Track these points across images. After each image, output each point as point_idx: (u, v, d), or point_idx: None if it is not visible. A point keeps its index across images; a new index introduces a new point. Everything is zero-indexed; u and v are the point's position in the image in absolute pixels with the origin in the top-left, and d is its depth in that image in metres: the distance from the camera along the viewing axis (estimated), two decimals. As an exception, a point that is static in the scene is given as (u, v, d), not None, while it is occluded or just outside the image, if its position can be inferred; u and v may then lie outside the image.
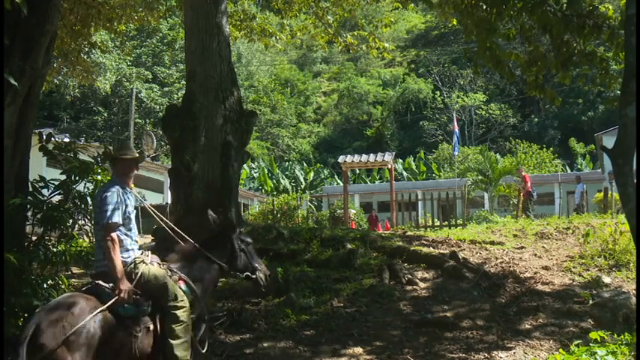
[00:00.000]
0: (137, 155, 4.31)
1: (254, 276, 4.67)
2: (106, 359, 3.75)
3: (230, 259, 4.61)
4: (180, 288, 4.22)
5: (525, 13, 7.11)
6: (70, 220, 4.99)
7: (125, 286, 3.92)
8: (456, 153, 30.01)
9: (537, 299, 7.17)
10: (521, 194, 18.24)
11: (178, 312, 4.09)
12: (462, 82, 48.62)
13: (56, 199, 5.05)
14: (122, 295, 3.88)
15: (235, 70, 9.48)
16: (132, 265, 4.06)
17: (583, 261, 8.77)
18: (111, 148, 5.48)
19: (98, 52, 22.78)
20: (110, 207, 4.00)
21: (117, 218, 4.01)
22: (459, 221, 15.07)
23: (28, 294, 4.50)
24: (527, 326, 6.49)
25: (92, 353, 3.66)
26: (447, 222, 15.38)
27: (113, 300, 3.84)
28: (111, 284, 3.92)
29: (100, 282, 3.92)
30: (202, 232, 4.94)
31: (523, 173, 19.42)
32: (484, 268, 8.26)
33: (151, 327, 4.04)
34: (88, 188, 5.09)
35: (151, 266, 4.15)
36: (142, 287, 4.04)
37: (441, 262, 8.35)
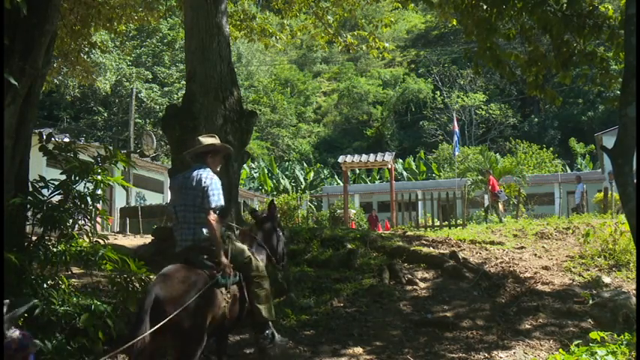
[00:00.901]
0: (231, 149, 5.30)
1: (282, 263, 5.39)
2: (209, 323, 4.23)
3: (274, 246, 5.24)
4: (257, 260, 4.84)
5: (525, 13, 7.11)
6: (70, 220, 4.98)
7: (225, 260, 4.45)
8: (456, 153, 30.00)
9: (537, 299, 7.17)
10: (491, 197, 18.28)
11: (261, 281, 4.74)
12: (462, 82, 48.59)
13: (56, 199, 5.04)
14: (225, 269, 4.41)
15: (235, 70, 9.47)
16: None
17: (583, 261, 8.77)
18: (111, 148, 5.47)
19: (98, 52, 22.77)
20: (216, 192, 4.52)
21: (220, 202, 4.52)
22: (458, 221, 15.07)
23: (28, 294, 4.49)
24: (527, 326, 6.49)
25: (203, 318, 4.16)
26: (447, 222, 15.38)
27: (220, 273, 4.37)
28: (205, 256, 4.42)
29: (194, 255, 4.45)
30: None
31: (489, 177, 19.74)
32: (484, 268, 8.27)
33: (238, 294, 4.57)
34: (88, 188, 5.08)
35: (236, 242, 4.76)
36: (231, 261, 4.55)
37: (441, 262, 8.35)
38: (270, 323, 4.77)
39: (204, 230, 4.46)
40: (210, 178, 4.53)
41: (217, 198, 4.49)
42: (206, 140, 4.75)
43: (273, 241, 5.20)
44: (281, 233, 5.34)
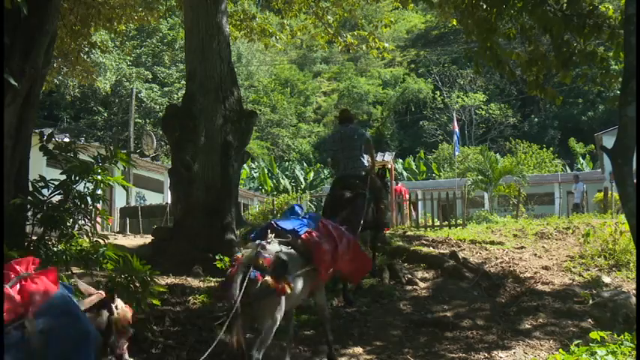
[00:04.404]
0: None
1: (385, 201, 8.18)
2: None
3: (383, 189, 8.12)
4: None
5: (525, 12, 7.11)
6: (70, 220, 4.97)
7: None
8: (456, 153, 30.02)
9: (537, 299, 7.17)
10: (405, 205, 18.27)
11: (384, 200, 7.57)
12: (462, 82, 48.60)
13: (56, 199, 5.04)
14: (367, 188, 6.91)
15: (235, 70, 9.47)
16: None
17: (583, 261, 8.77)
18: (112, 147, 5.48)
19: (98, 52, 22.77)
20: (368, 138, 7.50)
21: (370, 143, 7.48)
22: (458, 221, 15.07)
23: (28, 293, 4.49)
24: (527, 326, 6.48)
25: (362, 214, 6.66)
26: (447, 222, 15.38)
27: (367, 190, 6.88)
28: (357, 180, 6.98)
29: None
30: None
31: (399, 186, 19.84)
32: (484, 268, 8.26)
33: (372, 206, 7.00)
34: (87, 188, 5.07)
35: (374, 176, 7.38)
36: (370, 185, 7.02)
37: (441, 262, 8.34)
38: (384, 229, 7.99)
39: (361, 165, 7.13)
40: (358, 130, 7.47)
41: (371, 141, 7.55)
42: (348, 113, 7.82)
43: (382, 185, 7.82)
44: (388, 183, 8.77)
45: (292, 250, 4.57)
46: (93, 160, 5.15)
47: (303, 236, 4.69)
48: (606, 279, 7.81)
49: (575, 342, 4.85)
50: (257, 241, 4.46)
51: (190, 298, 6.65)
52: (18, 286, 2.79)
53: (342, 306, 7.05)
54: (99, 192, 5.18)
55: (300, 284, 4.54)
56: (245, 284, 4.02)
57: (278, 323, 4.40)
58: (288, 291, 4.25)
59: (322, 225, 5.04)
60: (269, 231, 4.63)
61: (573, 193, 22.66)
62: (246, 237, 9.15)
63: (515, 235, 10.71)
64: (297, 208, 5.37)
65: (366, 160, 7.25)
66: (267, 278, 4.13)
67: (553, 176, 31.55)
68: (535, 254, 9.24)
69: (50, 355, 2.70)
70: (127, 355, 3.19)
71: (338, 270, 5.18)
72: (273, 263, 4.25)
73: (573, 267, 8.50)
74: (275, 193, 34.49)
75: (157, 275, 5.87)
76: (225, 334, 5.58)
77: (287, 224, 4.78)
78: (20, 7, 4.42)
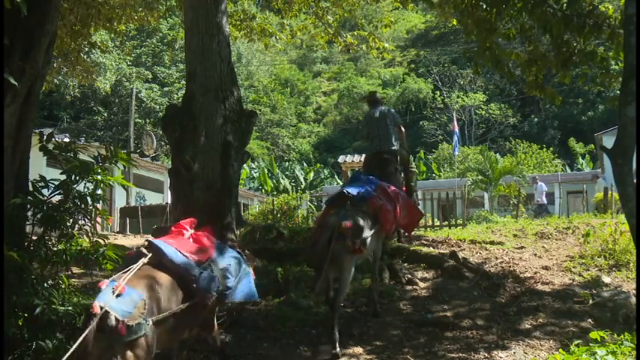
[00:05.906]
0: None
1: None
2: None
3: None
4: None
5: (525, 12, 7.11)
6: (70, 220, 4.97)
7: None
8: (456, 153, 30.01)
9: (537, 299, 7.17)
10: None
11: (413, 170, 8.79)
12: (462, 82, 48.57)
13: (56, 199, 5.03)
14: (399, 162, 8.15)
15: (235, 70, 9.48)
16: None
17: (583, 261, 8.76)
18: (112, 147, 5.47)
19: (98, 52, 22.78)
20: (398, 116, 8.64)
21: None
22: (458, 221, 15.07)
23: (29, 293, 4.49)
24: (527, 326, 6.48)
25: (400, 182, 7.98)
26: (447, 222, 15.37)
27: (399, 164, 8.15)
28: (390, 156, 8.00)
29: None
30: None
31: None
32: (484, 268, 8.26)
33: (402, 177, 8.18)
34: (87, 188, 5.06)
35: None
36: (400, 157, 8.16)
37: (441, 261, 8.34)
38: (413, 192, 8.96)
39: (393, 141, 8.11)
40: (393, 111, 8.81)
41: (400, 120, 8.57)
42: (377, 95, 8.97)
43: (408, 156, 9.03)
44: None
45: (364, 215, 5.59)
46: (93, 160, 5.14)
47: (370, 202, 5.75)
48: (606, 279, 7.81)
49: (575, 342, 4.85)
50: (339, 210, 5.58)
51: (190, 298, 6.65)
52: (191, 239, 3.99)
53: (343, 306, 7.05)
54: (99, 192, 5.17)
55: (370, 242, 5.68)
56: (331, 245, 5.22)
57: (352, 276, 5.85)
58: (364, 252, 5.51)
59: (381, 188, 6.07)
60: (344, 200, 5.73)
61: (534, 194, 22.80)
62: (244, 237, 9.16)
63: (515, 235, 10.70)
64: (358, 174, 6.61)
65: (395, 137, 8.37)
66: (348, 241, 5.29)
67: (553, 176, 31.52)
68: (535, 254, 9.24)
69: (228, 284, 3.96)
70: None
71: (397, 224, 6.40)
72: (351, 228, 5.32)
73: (573, 267, 8.50)
74: (275, 193, 34.44)
75: (156, 275, 5.84)
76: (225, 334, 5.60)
77: (355, 191, 5.81)
78: (20, 7, 4.42)
